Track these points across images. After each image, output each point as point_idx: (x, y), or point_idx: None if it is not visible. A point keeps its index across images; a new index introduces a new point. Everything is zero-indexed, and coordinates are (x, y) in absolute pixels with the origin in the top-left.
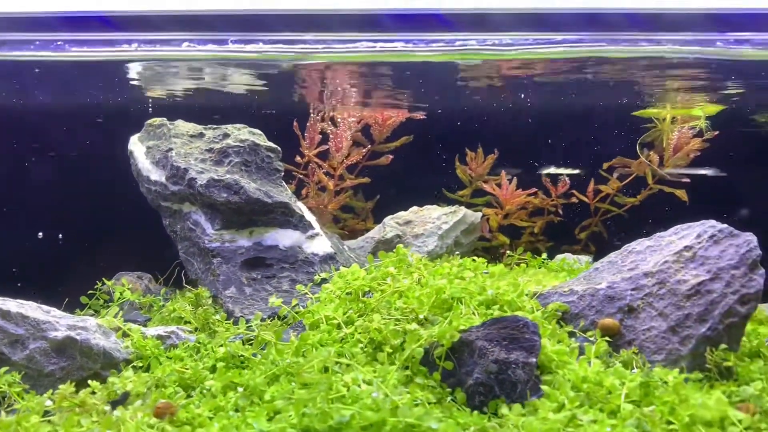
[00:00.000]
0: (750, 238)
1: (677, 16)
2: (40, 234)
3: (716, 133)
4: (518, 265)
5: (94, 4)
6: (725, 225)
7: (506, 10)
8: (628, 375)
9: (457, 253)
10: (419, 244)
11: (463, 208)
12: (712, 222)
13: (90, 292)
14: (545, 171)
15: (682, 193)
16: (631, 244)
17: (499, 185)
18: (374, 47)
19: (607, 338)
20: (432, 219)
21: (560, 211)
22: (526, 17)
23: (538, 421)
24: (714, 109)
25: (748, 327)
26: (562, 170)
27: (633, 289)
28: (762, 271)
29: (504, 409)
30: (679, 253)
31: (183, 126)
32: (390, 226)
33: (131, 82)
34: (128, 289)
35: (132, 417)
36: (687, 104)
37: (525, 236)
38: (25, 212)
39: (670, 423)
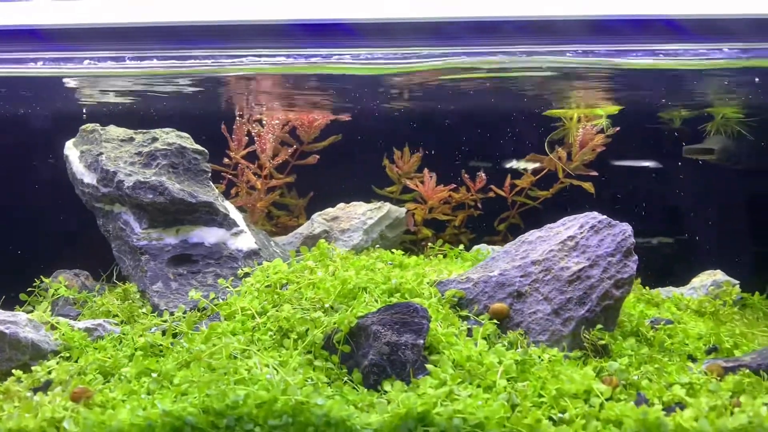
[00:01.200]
0: (625, 228)
1: (570, 24)
2: None
3: (617, 129)
4: (437, 256)
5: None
6: (605, 216)
7: (409, 20)
8: (507, 354)
9: (378, 246)
10: (345, 238)
11: (387, 204)
12: (594, 214)
13: (29, 289)
14: (484, 166)
15: (589, 186)
16: (524, 235)
17: (422, 182)
18: (292, 62)
19: (496, 321)
20: (357, 215)
21: (479, 205)
22: (426, 26)
23: (416, 396)
24: (614, 108)
25: (639, 308)
26: (483, 164)
27: (522, 276)
28: (635, 257)
29: (388, 386)
30: (563, 242)
31: (114, 131)
32: (318, 222)
33: (66, 91)
34: (65, 285)
35: (51, 401)
36: (590, 104)
37: (449, 229)
38: None
39: (541, 396)
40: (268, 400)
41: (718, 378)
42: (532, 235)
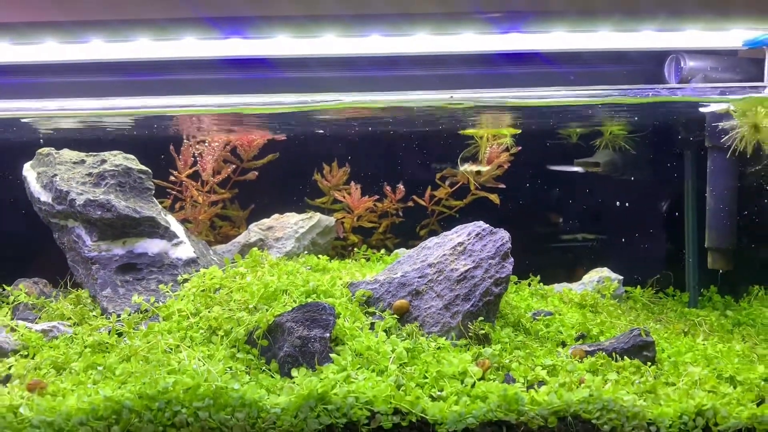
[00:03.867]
0: (504, 235)
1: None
2: None
3: (519, 148)
4: (360, 260)
5: None
6: (488, 225)
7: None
8: (401, 343)
9: (310, 252)
10: (279, 246)
11: (318, 213)
12: (480, 222)
13: None
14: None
15: (495, 197)
16: (425, 242)
17: (349, 193)
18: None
19: (397, 316)
20: (290, 224)
21: (401, 213)
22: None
23: (317, 380)
24: (514, 131)
25: (528, 302)
26: (405, 177)
27: (419, 277)
28: (511, 260)
29: (295, 373)
30: (454, 247)
31: (68, 154)
32: (254, 231)
33: (23, 120)
34: (25, 293)
35: (9, 392)
36: (495, 125)
37: (376, 235)
38: None
39: (425, 378)
40: (192, 386)
41: (580, 360)
42: (431, 241)
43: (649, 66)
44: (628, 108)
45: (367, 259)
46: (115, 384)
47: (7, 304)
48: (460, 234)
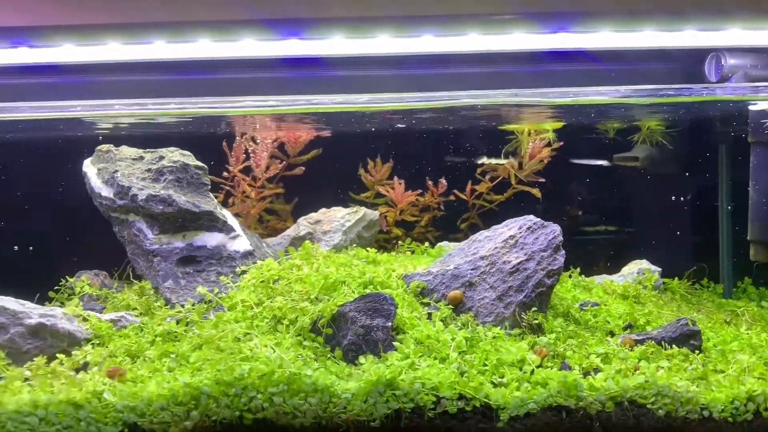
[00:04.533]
0: (555, 228)
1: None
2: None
3: (561, 143)
4: (406, 253)
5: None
6: (539, 219)
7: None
8: (459, 332)
9: (356, 245)
10: (327, 239)
11: (363, 208)
12: (531, 216)
13: (56, 287)
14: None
15: (536, 192)
16: (475, 235)
17: (392, 188)
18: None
19: (452, 306)
20: (337, 218)
21: (442, 207)
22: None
23: (384, 367)
24: (559, 124)
25: (573, 293)
26: (447, 172)
27: (472, 269)
28: (563, 252)
29: (362, 360)
30: (505, 240)
31: (127, 151)
32: (303, 225)
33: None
34: (87, 284)
35: (91, 378)
36: (538, 121)
37: (417, 228)
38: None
39: (485, 365)
40: (267, 372)
41: (630, 349)
42: (481, 235)
43: (689, 63)
44: (669, 105)
45: (412, 252)
46: (189, 371)
47: (71, 295)
48: (511, 227)
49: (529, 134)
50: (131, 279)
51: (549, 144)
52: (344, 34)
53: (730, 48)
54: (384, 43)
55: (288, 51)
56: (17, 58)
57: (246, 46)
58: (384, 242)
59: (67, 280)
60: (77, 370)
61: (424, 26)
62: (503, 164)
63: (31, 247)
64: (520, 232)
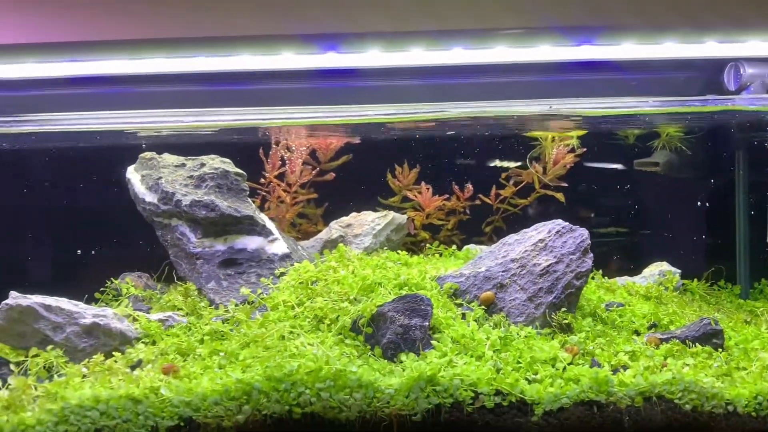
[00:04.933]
0: (583, 232)
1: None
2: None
3: (584, 150)
4: (434, 255)
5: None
6: (567, 223)
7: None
8: (493, 331)
9: (386, 247)
10: (358, 242)
11: (392, 212)
12: (559, 221)
13: (102, 289)
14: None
15: (560, 196)
16: (505, 238)
17: (420, 193)
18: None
19: (484, 307)
20: (367, 222)
21: (468, 211)
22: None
23: (425, 364)
24: (582, 131)
25: (598, 294)
26: (472, 177)
27: (503, 271)
28: (591, 255)
29: (403, 357)
30: (535, 244)
31: (169, 158)
32: (335, 228)
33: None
34: (132, 286)
35: (146, 375)
36: (562, 129)
37: (443, 231)
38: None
39: (519, 362)
40: (314, 369)
41: (655, 347)
42: (511, 238)
43: (709, 73)
44: (693, 114)
45: (440, 255)
46: (239, 368)
47: (115, 296)
48: (540, 231)
49: (553, 140)
50: (173, 281)
51: (573, 150)
52: (379, 48)
53: (748, 58)
54: (416, 55)
55: (326, 64)
56: (71, 71)
57: (285, 60)
58: (411, 245)
59: (112, 282)
60: (132, 368)
61: (455, 39)
62: (528, 170)
63: (78, 251)
64: (549, 236)
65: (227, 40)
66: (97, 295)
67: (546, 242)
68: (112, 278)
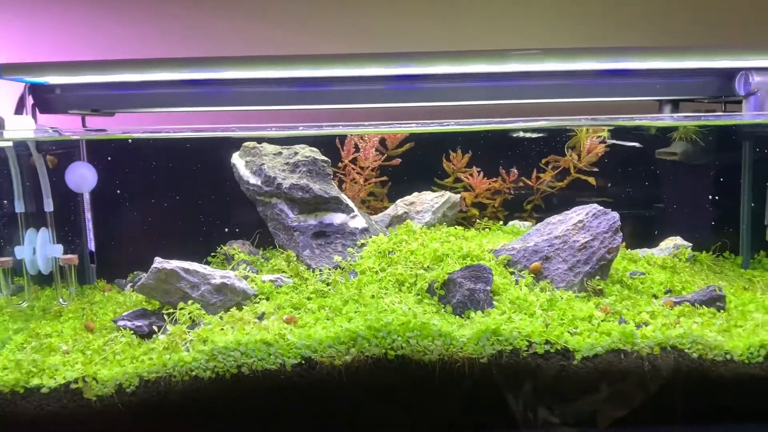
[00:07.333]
0: (615, 215)
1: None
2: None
3: (614, 141)
4: (484, 230)
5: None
6: (601, 207)
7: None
8: (540, 295)
9: (444, 223)
10: (419, 218)
11: (447, 192)
12: (595, 205)
13: (213, 254)
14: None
15: (592, 180)
16: (548, 219)
17: (471, 176)
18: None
19: (533, 275)
20: (428, 200)
21: (512, 192)
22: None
23: (489, 320)
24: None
25: (623, 264)
26: (516, 162)
27: (548, 246)
28: (621, 234)
29: (472, 314)
30: (575, 224)
31: (268, 147)
32: (400, 206)
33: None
34: (240, 252)
35: (272, 324)
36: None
37: (490, 209)
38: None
39: (562, 319)
40: (405, 321)
41: (670, 308)
42: (554, 218)
43: (721, 79)
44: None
45: (489, 229)
46: (343, 319)
47: (225, 261)
48: (579, 213)
49: (587, 132)
50: (265, 247)
51: (603, 141)
52: (446, 65)
53: (757, 68)
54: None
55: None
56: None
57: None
58: (462, 219)
59: (221, 248)
60: (259, 318)
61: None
62: (565, 157)
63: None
64: (587, 218)
65: (323, 57)
66: (209, 258)
67: (584, 222)
68: (221, 245)
